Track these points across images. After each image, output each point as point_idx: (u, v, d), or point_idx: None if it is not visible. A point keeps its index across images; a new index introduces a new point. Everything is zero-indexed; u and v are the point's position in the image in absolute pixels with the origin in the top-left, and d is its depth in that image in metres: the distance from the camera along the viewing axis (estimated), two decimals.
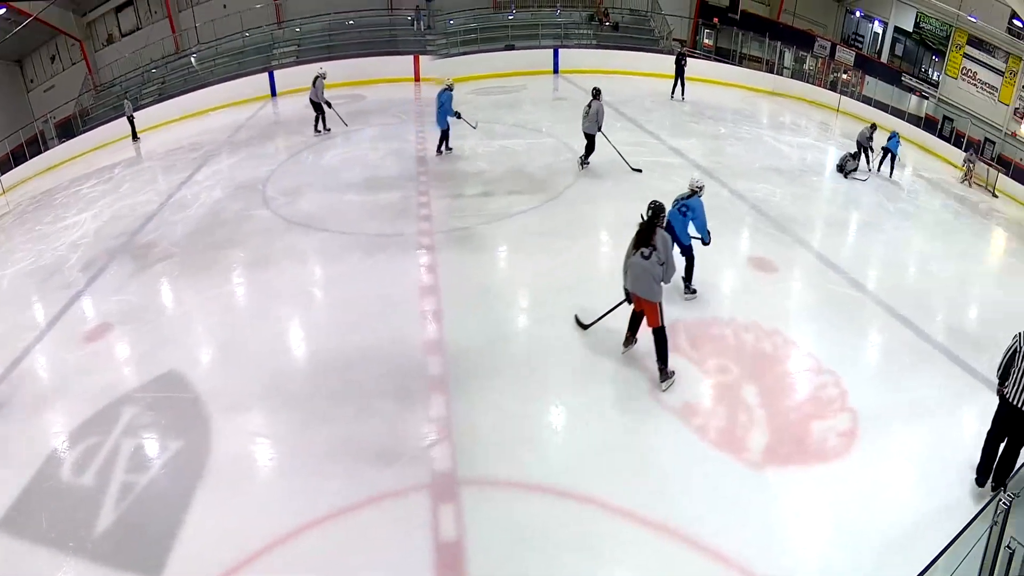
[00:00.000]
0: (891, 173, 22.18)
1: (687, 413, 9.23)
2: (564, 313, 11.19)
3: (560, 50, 29.66)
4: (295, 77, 26.80)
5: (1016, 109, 28.79)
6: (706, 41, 36.09)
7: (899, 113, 29.61)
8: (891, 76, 32.20)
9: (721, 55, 34.15)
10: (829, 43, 34.48)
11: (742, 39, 33.81)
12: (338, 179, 17.48)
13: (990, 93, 29.68)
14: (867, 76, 32.09)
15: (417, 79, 27.26)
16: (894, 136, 22.71)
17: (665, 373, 9.59)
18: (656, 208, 9.49)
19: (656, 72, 28.50)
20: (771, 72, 32.22)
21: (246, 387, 9.66)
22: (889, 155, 22.14)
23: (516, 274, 13.10)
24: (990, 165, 26.54)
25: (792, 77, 32.55)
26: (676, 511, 7.64)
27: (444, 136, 18.89)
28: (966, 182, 24.83)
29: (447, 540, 7.23)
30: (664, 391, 9.56)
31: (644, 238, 9.24)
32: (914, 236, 17.10)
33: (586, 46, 31.34)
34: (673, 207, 11.17)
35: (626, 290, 9.65)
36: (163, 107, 25.91)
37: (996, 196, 24.90)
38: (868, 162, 21.98)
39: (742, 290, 12.38)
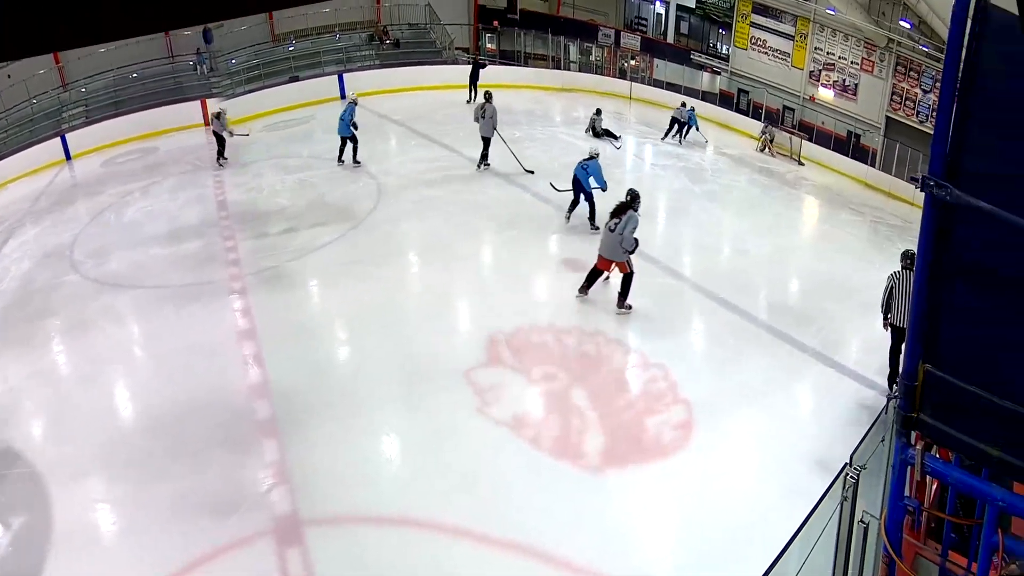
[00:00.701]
0: (680, 140, 25.09)
1: (518, 425, 9.60)
2: (380, 338, 11.79)
3: (345, 75, 29.93)
4: (88, 138, 26.81)
5: (811, 72, 30.72)
6: (489, 45, 37.15)
7: (693, 92, 31.37)
8: (680, 56, 34.15)
9: (506, 57, 35.11)
10: (613, 31, 36.09)
11: (524, 39, 34.93)
12: (142, 234, 17.50)
13: (783, 59, 31.70)
14: (655, 59, 33.73)
15: (207, 123, 26.93)
16: (690, 110, 25.65)
17: (623, 302, 12.32)
18: (633, 195, 12.57)
19: (444, 84, 29.05)
20: (559, 68, 33.62)
21: (81, 455, 9.76)
22: (686, 127, 25.10)
23: (329, 305, 13.94)
24: (792, 133, 28.43)
25: (580, 70, 34.19)
26: (519, 526, 7.96)
27: (354, 145, 20.43)
28: (765, 151, 26.50)
29: None
30: (617, 315, 12.15)
31: (617, 213, 12.17)
32: (723, 216, 18.28)
33: (370, 67, 31.80)
34: (578, 167, 15.26)
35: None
36: None
37: (803, 164, 26.80)
38: (670, 135, 24.91)
39: (558, 293, 12.87)
